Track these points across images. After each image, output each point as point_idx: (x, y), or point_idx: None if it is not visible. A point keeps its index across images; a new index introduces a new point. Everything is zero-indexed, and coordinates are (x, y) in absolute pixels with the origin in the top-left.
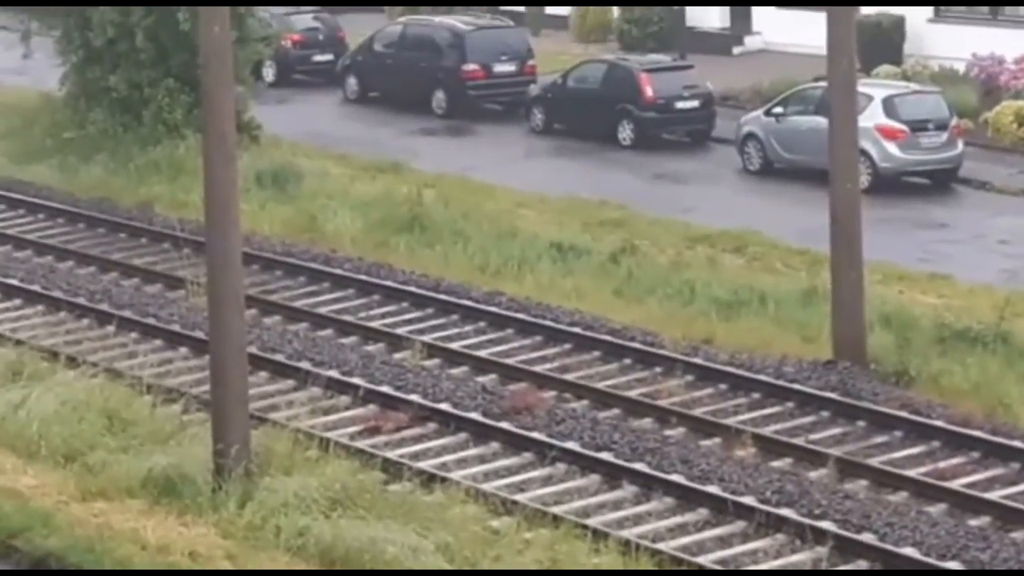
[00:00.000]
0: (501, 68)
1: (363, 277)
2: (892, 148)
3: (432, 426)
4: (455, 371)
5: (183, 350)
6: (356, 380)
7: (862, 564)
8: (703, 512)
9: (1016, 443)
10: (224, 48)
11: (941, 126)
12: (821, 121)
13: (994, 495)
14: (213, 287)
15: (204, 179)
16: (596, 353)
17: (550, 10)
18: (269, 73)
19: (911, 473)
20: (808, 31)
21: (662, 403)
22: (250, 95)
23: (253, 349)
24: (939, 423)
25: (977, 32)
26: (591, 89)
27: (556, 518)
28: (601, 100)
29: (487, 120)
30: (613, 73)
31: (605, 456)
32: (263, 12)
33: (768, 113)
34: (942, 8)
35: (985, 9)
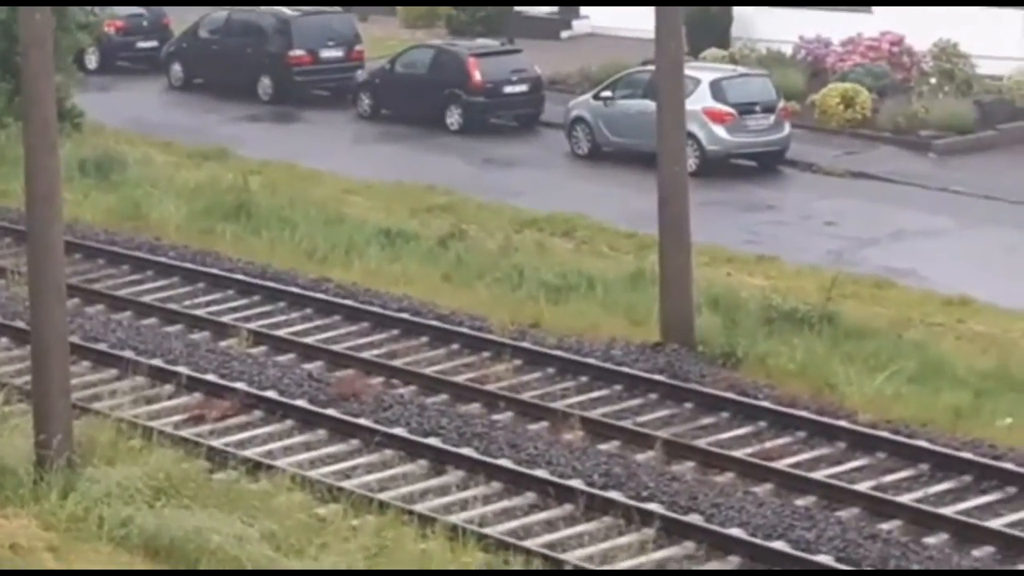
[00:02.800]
0: (328, 54)
1: (188, 265)
2: (720, 131)
3: (258, 414)
4: (282, 358)
5: (3, 340)
6: (181, 368)
7: (689, 546)
8: (531, 496)
9: (842, 423)
10: (45, 35)
11: (768, 108)
12: (649, 105)
13: (819, 475)
14: (34, 276)
15: (25, 168)
16: (424, 339)
17: None
18: (92, 60)
19: (738, 454)
20: (636, 14)
21: (490, 388)
22: (72, 82)
23: (75, 338)
24: (766, 404)
25: (804, 15)
26: (419, 74)
27: (383, 504)
28: (429, 85)
29: (314, 106)
30: (441, 58)
31: (433, 441)
32: None
33: (596, 97)
34: None
35: None
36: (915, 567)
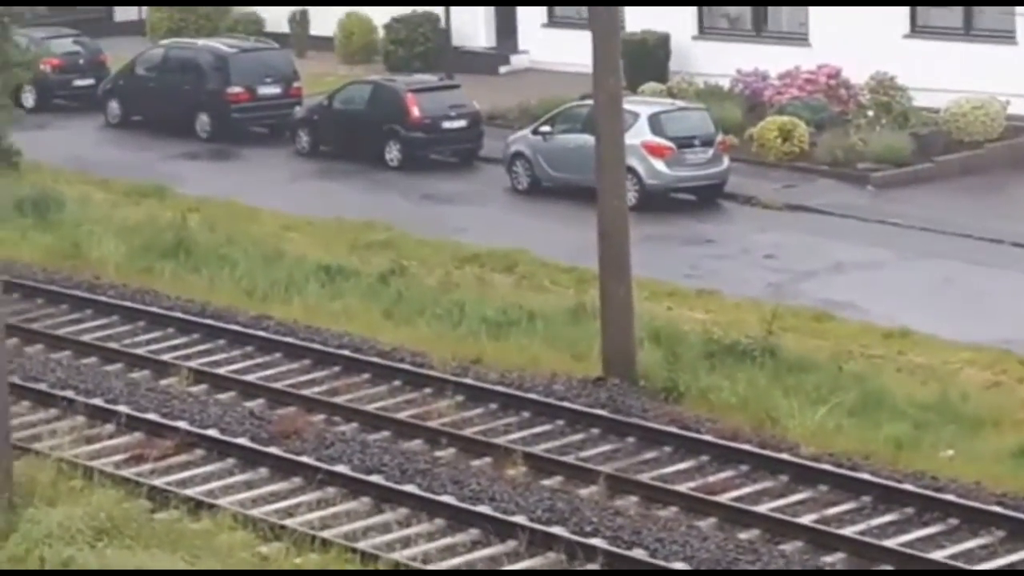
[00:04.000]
0: (266, 90)
1: (128, 303)
2: (659, 165)
3: (199, 452)
4: (222, 396)
5: None
6: (121, 407)
7: None
8: (474, 532)
9: (784, 456)
10: None
11: (707, 142)
12: (588, 139)
13: (763, 508)
14: None
15: None
16: (365, 375)
17: (315, 31)
18: (29, 98)
19: (681, 488)
20: (575, 49)
21: (432, 424)
22: (9, 121)
23: (15, 378)
24: (708, 438)
25: (741, 48)
26: (357, 110)
27: (325, 542)
28: (367, 121)
29: (252, 143)
30: (379, 94)
31: (375, 479)
32: (21, 36)
33: (535, 132)
34: (706, 25)
35: (749, 25)
36: None
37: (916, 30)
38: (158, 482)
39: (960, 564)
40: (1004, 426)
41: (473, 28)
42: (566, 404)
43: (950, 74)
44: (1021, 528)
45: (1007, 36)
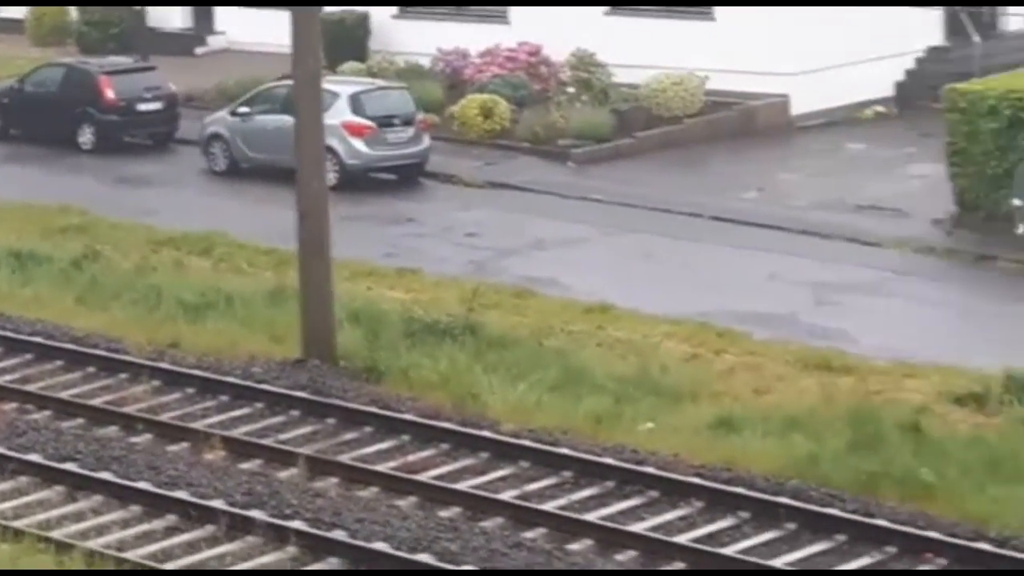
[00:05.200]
0: None
1: None
2: (359, 144)
3: None
4: None
5: None
6: None
7: (333, 562)
8: (171, 518)
9: (485, 433)
10: None
11: (407, 121)
12: (287, 119)
13: (463, 485)
14: None
15: None
16: (59, 362)
17: (4, 13)
18: None
19: (381, 468)
20: (273, 30)
21: (128, 410)
22: None
23: None
24: (409, 417)
25: (442, 27)
26: (50, 93)
27: (18, 532)
28: (60, 104)
29: None
30: (72, 76)
31: (69, 467)
32: None
33: (233, 113)
34: (406, 5)
35: (450, 4)
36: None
37: (616, 7)
38: None
39: (660, 535)
40: (702, 398)
41: (169, 9)
42: (265, 387)
43: (650, 50)
44: (719, 499)
45: (705, 12)
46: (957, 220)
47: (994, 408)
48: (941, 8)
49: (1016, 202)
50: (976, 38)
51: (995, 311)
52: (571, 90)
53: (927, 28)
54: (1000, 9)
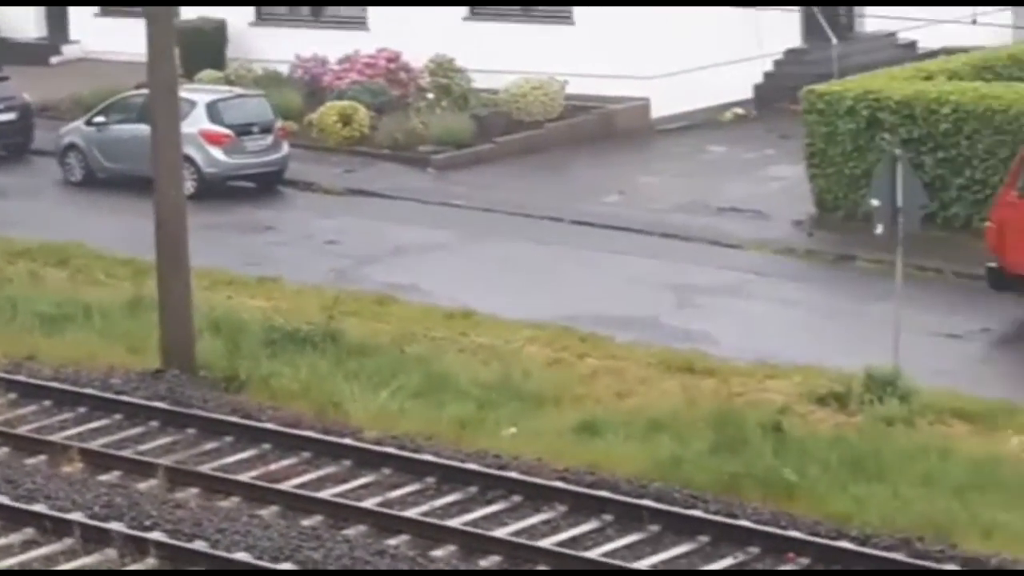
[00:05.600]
0: None
1: None
2: (217, 153)
3: None
4: None
5: None
6: None
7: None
8: (29, 532)
9: (347, 441)
10: None
11: (266, 129)
12: (144, 129)
13: (326, 494)
14: None
15: None
16: None
17: None
18: None
19: (242, 478)
20: (129, 38)
21: None
22: None
23: None
24: (270, 426)
25: (300, 34)
26: None
27: None
28: None
29: None
30: None
31: None
32: None
33: (89, 123)
34: (264, 11)
35: (307, 11)
36: None
37: (475, 13)
38: None
39: (523, 540)
40: (565, 402)
41: (22, 19)
42: (124, 398)
43: (509, 55)
44: (582, 502)
45: (564, 17)
46: (816, 221)
47: (855, 407)
48: (799, 10)
49: (874, 202)
50: (834, 40)
51: (855, 310)
52: (431, 96)
53: (785, 30)
54: (857, 10)
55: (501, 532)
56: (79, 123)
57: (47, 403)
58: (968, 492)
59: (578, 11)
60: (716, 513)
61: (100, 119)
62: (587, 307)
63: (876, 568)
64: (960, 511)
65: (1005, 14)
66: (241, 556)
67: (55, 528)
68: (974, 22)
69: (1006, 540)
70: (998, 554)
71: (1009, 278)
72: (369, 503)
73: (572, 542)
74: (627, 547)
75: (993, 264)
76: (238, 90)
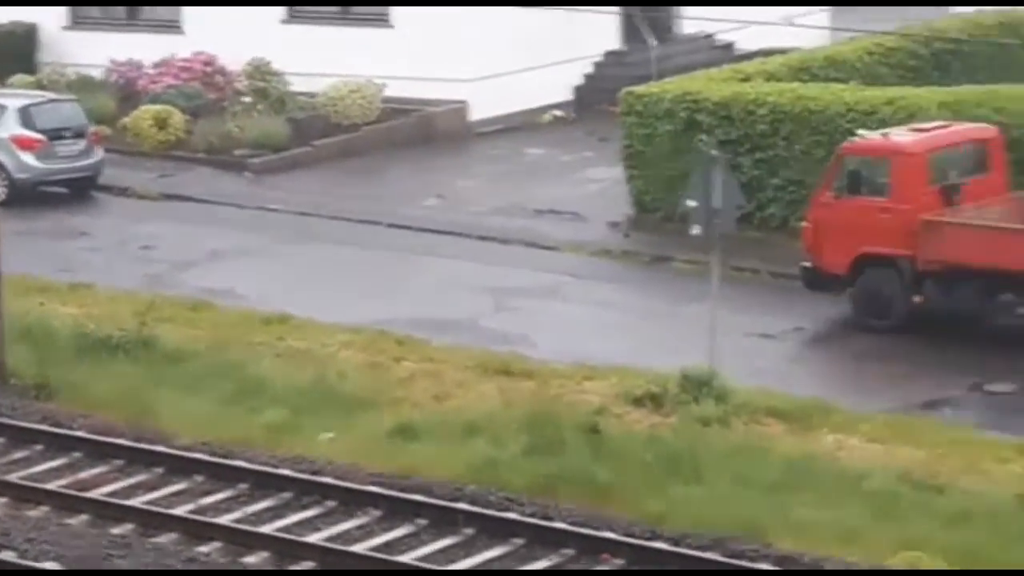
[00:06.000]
0: None
1: None
2: (28, 158)
3: None
4: None
5: None
6: None
7: None
8: None
9: (159, 448)
10: None
11: (79, 134)
12: None
13: (136, 501)
14: None
15: None
16: None
17: None
18: None
19: (52, 486)
20: None
21: None
22: None
23: None
24: (81, 433)
25: (114, 38)
26: None
27: None
28: None
29: None
30: None
31: None
32: None
33: None
34: (78, 15)
35: (122, 14)
36: None
37: (292, 15)
38: None
39: (338, 545)
40: (381, 406)
41: None
42: None
43: (327, 58)
44: (396, 507)
45: (382, 19)
46: (634, 222)
47: (671, 408)
48: (618, 12)
49: (690, 203)
50: (652, 42)
51: (670, 311)
52: (247, 99)
53: (604, 33)
54: (675, 12)
55: (314, 538)
56: None
57: None
58: (782, 491)
59: (396, 14)
60: (531, 515)
61: None
62: (404, 310)
63: (690, 568)
64: (774, 510)
65: (821, 16)
66: (49, 565)
67: None
68: (791, 24)
69: (818, 538)
70: (811, 552)
71: (824, 278)
72: (180, 510)
73: (386, 547)
74: (441, 551)
75: (808, 264)
76: (50, 95)
